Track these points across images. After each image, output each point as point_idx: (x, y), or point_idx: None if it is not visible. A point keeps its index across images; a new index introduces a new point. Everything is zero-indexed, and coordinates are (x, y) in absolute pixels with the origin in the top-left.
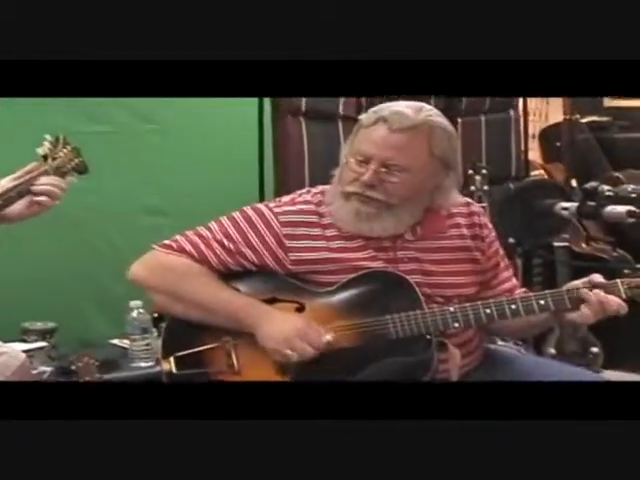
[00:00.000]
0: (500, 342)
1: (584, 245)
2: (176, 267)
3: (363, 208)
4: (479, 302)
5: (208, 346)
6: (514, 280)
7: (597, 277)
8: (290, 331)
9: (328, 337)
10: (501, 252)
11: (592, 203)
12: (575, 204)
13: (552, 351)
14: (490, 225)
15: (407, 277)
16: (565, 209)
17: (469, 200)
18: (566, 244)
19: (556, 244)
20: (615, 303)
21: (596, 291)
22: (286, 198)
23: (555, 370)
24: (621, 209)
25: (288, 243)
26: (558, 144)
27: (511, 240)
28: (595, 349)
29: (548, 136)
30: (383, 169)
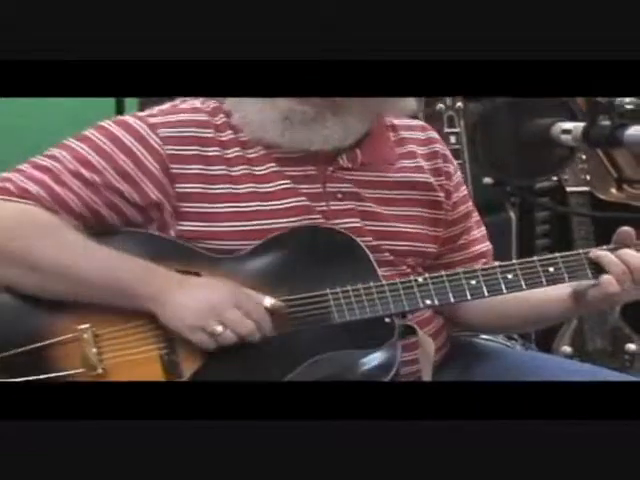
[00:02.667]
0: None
1: (614, 190)
2: (21, 220)
3: (298, 107)
4: (459, 269)
5: (53, 340)
6: (488, 244)
7: (626, 231)
8: (219, 299)
9: (269, 301)
10: (471, 202)
11: (606, 123)
12: (581, 124)
13: (567, 349)
14: (454, 161)
15: (355, 238)
16: (566, 132)
17: (424, 124)
18: (586, 189)
19: (571, 189)
20: None
21: (624, 251)
22: (164, 106)
23: (559, 367)
24: None
25: (173, 168)
26: None
27: (488, 180)
28: (632, 346)
29: None
30: None
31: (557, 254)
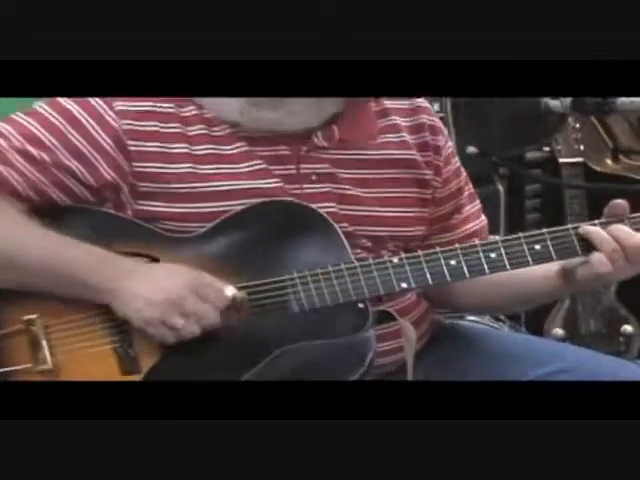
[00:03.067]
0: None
1: (610, 161)
2: None
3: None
4: (437, 248)
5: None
6: (483, 219)
7: (619, 204)
8: (178, 289)
9: (230, 291)
10: (464, 174)
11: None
12: None
13: (559, 332)
14: (445, 131)
15: (322, 211)
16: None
17: None
18: (579, 160)
19: (563, 160)
20: None
21: (617, 227)
22: None
23: (550, 352)
24: None
25: (130, 145)
26: None
27: (472, 150)
28: (629, 328)
29: None
30: None
31: (544, 230)
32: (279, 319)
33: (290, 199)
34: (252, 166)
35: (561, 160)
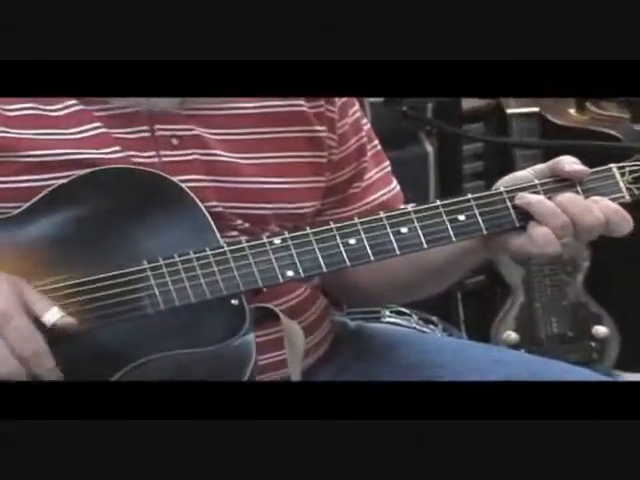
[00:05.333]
0: (388, 313)
1: (574, 112)
2: None
3: None
4: (332, 224)
5: None
6: (394, 186)
7: (567, 161)
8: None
9: (53, 317)
10: (367, 127)
11: None
12: None
13: (512, 336)
14: None
15: (183, 185)
16: None
17: None
18: (534, 110)
19: (513, 111)
20: (608, 211)
21: (567, 196)
22: None
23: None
24: None
25: None
26: None
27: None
28: (602, 329)
29: None
30: None
31: (469, 196)
32: (138, 321)
33: (134, 167)
34: (87, 130)
35: (509, 111)
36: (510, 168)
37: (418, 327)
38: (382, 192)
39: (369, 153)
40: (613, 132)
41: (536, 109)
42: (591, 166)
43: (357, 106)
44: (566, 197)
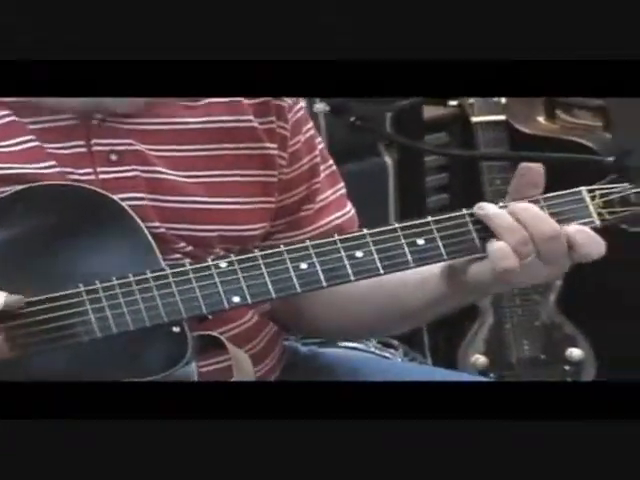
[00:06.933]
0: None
1: (543, 120)
2: None
3: None
4: (282, 247)
5: None
6: (349, 210)
7: (532, 169)
8: None
9: None
10: (320, 146)
11: None
12: None
13: (481, 360)
14: None
15: (115, 197)
16: None
17: None
18: (501, 118)
19: (478, 119)
20: (571, 230)
21: (524, 206)
22: None
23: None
24: None
25: None
26: None
27: (320, 107)
28: (577, 352)
29: None
30: None
31: (429, 218)
32: (70, 350)
33: (71, 183)
34: (19, 144)
35: (475, 119)
36: (476, 180)
37: (377, 351)
38: (336, 215)
39: (322, 174)
40: (584, 142)
41: (503, 117)
42: (561, 177)
43: (311, 124)
44: (523, 206)
